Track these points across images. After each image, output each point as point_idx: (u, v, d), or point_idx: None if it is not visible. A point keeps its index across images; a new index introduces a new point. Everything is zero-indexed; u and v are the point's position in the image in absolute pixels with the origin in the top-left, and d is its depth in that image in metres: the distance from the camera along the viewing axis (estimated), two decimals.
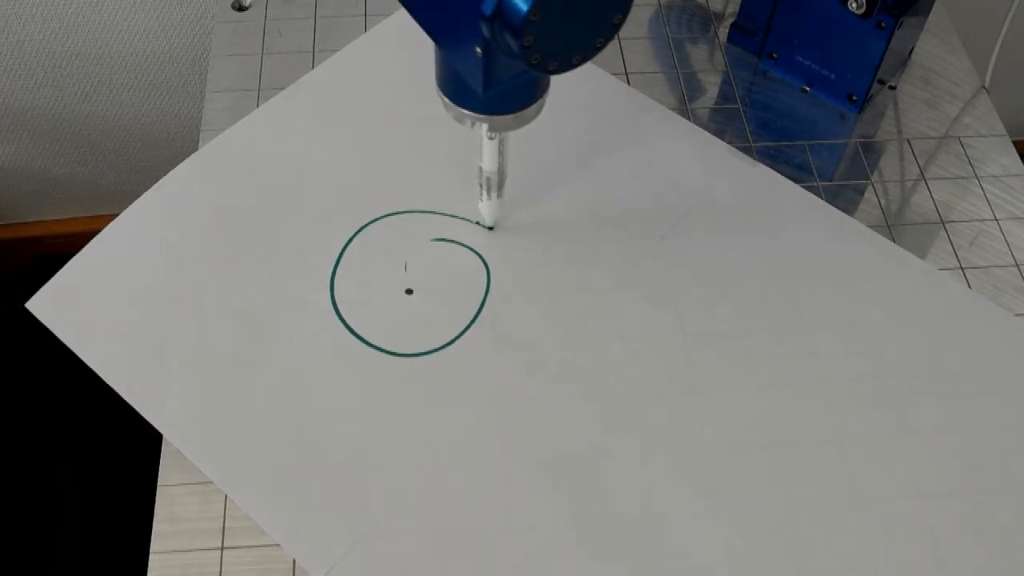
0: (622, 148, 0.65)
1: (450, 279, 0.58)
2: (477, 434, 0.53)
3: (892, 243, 0.61)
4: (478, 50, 0.42)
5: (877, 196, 0.64)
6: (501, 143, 0.54)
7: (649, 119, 0.66)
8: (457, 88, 0.48)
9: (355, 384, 0.54)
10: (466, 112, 0.49)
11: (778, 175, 0.64)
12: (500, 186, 0.56)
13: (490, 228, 0.60)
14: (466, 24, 0.41)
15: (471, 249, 0.60)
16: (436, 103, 0.50)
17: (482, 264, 0.59)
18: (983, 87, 0.70)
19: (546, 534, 0.50)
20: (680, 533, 0.50)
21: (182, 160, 0.63)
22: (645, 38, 0.73)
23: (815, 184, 0.64)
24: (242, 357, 0.55)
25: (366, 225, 0.61)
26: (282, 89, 0.67)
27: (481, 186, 0.57)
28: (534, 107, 0.50)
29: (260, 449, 0.52)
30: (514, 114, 0.49)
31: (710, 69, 0.71)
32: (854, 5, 0.62)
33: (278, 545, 0.49)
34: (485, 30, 0.40)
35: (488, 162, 0.55)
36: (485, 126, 0.50)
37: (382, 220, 0.61)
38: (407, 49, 0.69)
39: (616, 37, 0.72)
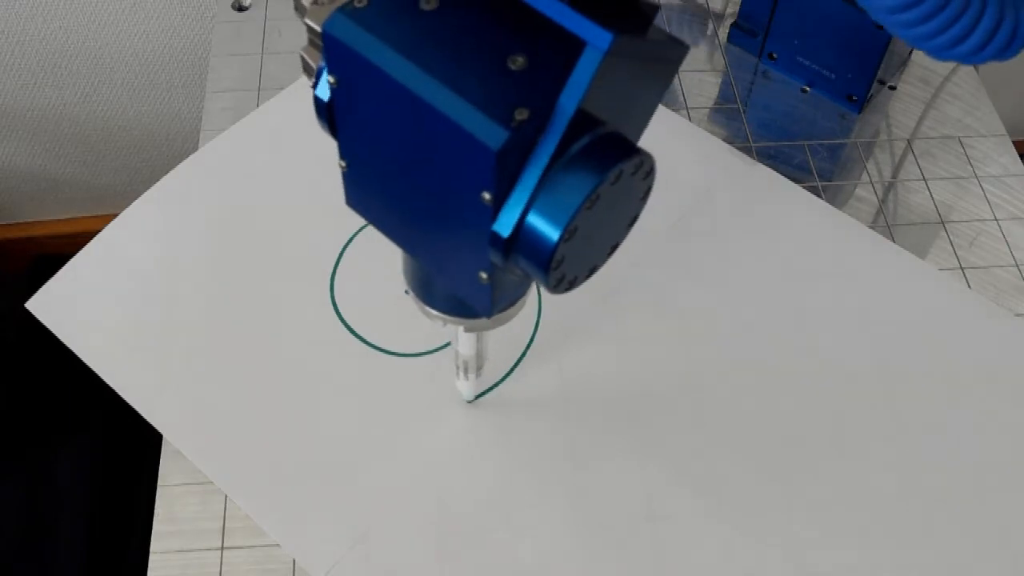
0: None
1: None
2: (477, 434, 0.53)
3: (892, 243, 0.61)
4: (483, 275, 0.34)
5: (877, 196, 0.64)
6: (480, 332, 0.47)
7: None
8: (430, 292, 0.41)
9: (355, 384, 0.54)
10: (437, 314, 0.42)
11: (778, 175, 0.64)
12: (479, 368, 0.50)
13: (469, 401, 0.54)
14: (469, 249, 0.33)
15: None
16: None
17: None
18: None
19: (546, 534, 0.50)
20: (680, 533, 0.50)
21: (182, 160, 0.63)
22: None
23: (815, 184, 0.64)
24: (242, 357, 0.55)
25: (366, 225, 0.61)
26: (282, 89, 0.67)
27: (457, 367, 0.50)
28: (517, 305, 0.41)
29: (260, 449, 0.52)
30: (496, 315, 0.41)
31: (710, 69, 0.71)
32: None
33: (278, 545, 0.49)
34: (497, 258, 0.32)
35: (465, 348, 0.48)
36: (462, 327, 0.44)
37: None
38: None
39: None
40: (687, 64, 0.71)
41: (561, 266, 0.32)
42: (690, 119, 0.67)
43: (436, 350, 0.56)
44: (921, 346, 0.56)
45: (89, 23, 0.95)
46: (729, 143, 0.65)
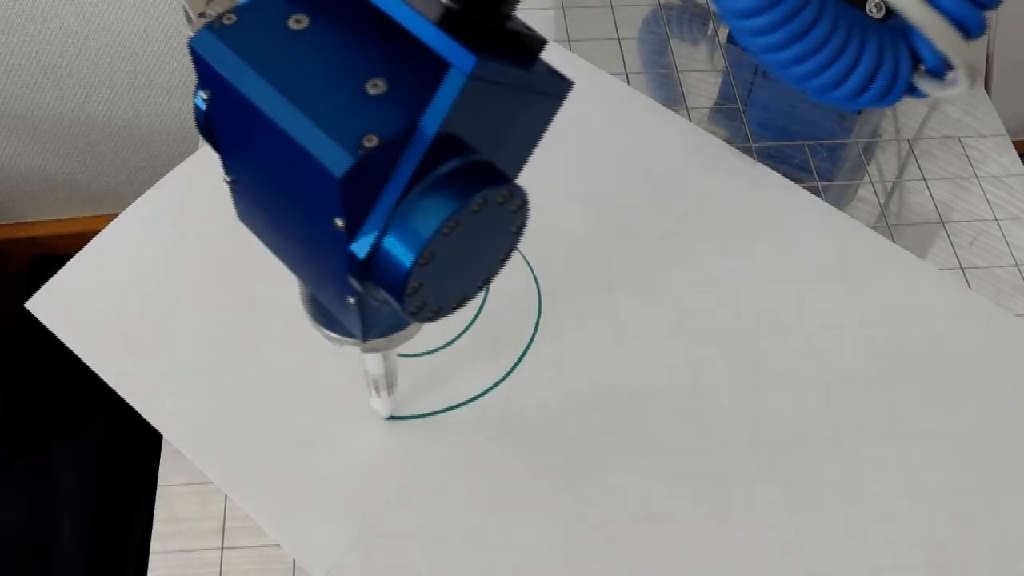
0: (622, 148, 0.65)
1: None
2: (477, 434, 0.53)
3: (892, 243, 0.61)
4: (351, 300, 0.34)
5: (877, 196, 0.64)
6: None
7: (649, 119, 0.66)
8: (321, 311, 0.41)
9: (355, 384, 0.54)
10: (334, 336, 0.41)
11: (778, 175, 0.64)
12: (391, 385, 0.49)
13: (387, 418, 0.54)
14: (334, 273, 0.33)
15: None
16: None
17: None
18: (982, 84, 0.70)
19: (546, 534, 0.50)
20: (680, 533, 0.50)
21: (182, 160, 0.63)
22: (645, 38, 0.73)
23: (815, 184, 0.64)
24: (242, 357, 0.55)
25: None
26: None
27: (368, 385, 0.50)
28: (412, 327, 0.41)
29: (260, 449, 0.52)
30: (388, 337, 0.40)
31: (710, 69, 0.71)
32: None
33: (278, 545, 0.49)
34: (354, 281, 0.32)
35: (373, 367, 0.48)
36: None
37: None
38: None
39: (616, 37, 0.72)
40: (687, 64, 0.71)
41: (420, 292, 0.31)
42: (690, 119, 0.67)
43: (436, 350, 0.56)
44: (921, 346, 0.56)
45: (89, 23, 0.95)
46: (729, 143, 0.65)
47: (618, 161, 0.64)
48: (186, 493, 0.51)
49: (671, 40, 0.72)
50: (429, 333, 0.56)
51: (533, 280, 0.59)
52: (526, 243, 0.60)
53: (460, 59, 0.29)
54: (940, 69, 0.30)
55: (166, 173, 0.63)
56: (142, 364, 0.55)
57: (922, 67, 0.30)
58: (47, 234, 1.21)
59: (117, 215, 0.61)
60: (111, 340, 0.56)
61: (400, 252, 0.30)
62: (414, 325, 0.41)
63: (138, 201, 0.62)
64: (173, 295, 0.58)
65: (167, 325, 0.56)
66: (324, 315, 0.41)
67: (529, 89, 0.32)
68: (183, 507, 0.51)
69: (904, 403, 0.54)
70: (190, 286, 0.58)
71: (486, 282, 0.35)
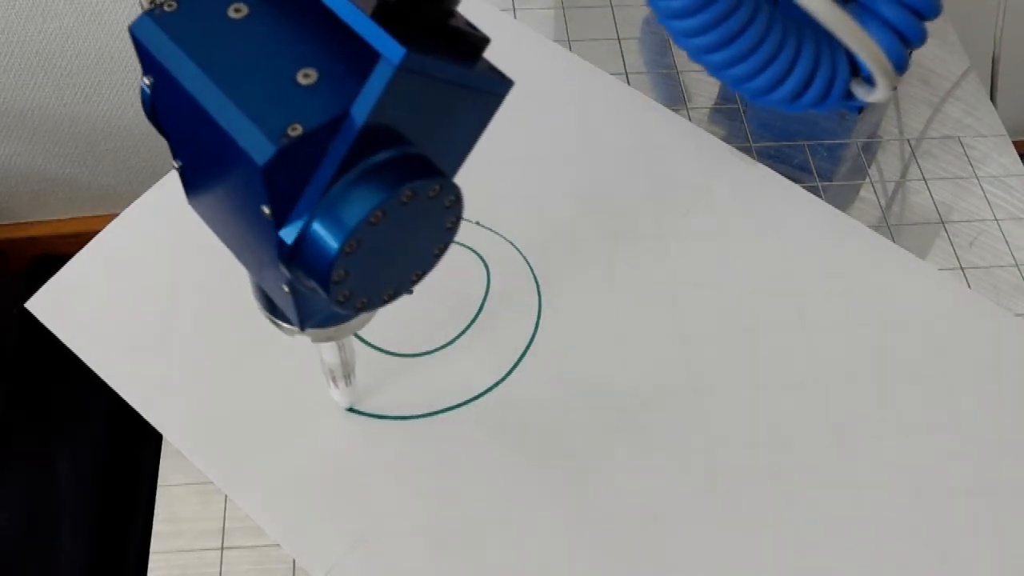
0: (622, 148, 0.65)
1: (450, 279, 0.58)
2: (477, 434, 0.53)
3: (892, 243, 0.61)
4: (285, 288, 0.34)
5: (877, 196, 0.64)
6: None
7: (649, 119, 0.66)
8: (267, 299, 0.40)
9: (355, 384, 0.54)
10: (283, 324, 0.41)
11: (778, 175, 0.64)
12: (349, 375, 0.49)
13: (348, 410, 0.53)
14: (269, 260, 0.33)
15: (471, 249, 0.60)
16: None
17: (482, 264, 0.59)
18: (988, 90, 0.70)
19: (546, 534, 0.50)
20: (680, 533, 0.50)
21: None
22: (645, 38, 0.73)
23: (815, 184, 0.64)
24: (242, 357, 0.55)
25: None
26: None
27: (326, 375, 0.50)
28: (361, 318, 0.41)
29: (260, 449, 0.52)
30: (338, 326, 0.41)
31: None
32: None
33: (278, 545, 0.49)
34: (283, 268, 0.32)
35: (329, 356, 0.47)
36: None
37: None
38: None
39: (616, 37, 0.72)
40: (687, 64, 0.71)
41: (346, 281, 0.32)
42: (690, 119, 0.67)
43: (435, 350, 0.56)
44: (921, 346, 0.56)
45: (89, 23, 0.95)
46: (729, 143, 0.65)
47: (618, 161, 0.64)
48: (186, 493, 0.51)
49: (671, 39, 0.72)
50: (429, 333, 0.56)
51: (533, 280, 0.59)
52: (526, 243, 0.60)
53: (389, 50, 0.29)
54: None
55: (166, 173, 0.63)
56: (142, 364, 0.55)
57: (861, 75, 0.30)
58: (47, 234, 1.21)
59: (117, 215, 0.61)
60: (111, 340, 0.56)
61: (325, 239, 0.31)
62: (363, 315, 0.41)
63: (138, 201, 0.62)
64: (173, 295, 0.57)
65: (167, 325, 0.56)
66: (267, 303, 0.41)
67: (467, 86, 0.32)
68: (183, 507, 0.51)
69: (904, 403, 0.54)
70: (190, 286, 0.58)
71: (420, 277, 0.36)
